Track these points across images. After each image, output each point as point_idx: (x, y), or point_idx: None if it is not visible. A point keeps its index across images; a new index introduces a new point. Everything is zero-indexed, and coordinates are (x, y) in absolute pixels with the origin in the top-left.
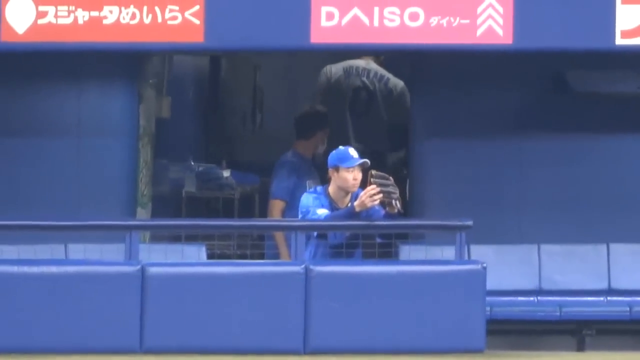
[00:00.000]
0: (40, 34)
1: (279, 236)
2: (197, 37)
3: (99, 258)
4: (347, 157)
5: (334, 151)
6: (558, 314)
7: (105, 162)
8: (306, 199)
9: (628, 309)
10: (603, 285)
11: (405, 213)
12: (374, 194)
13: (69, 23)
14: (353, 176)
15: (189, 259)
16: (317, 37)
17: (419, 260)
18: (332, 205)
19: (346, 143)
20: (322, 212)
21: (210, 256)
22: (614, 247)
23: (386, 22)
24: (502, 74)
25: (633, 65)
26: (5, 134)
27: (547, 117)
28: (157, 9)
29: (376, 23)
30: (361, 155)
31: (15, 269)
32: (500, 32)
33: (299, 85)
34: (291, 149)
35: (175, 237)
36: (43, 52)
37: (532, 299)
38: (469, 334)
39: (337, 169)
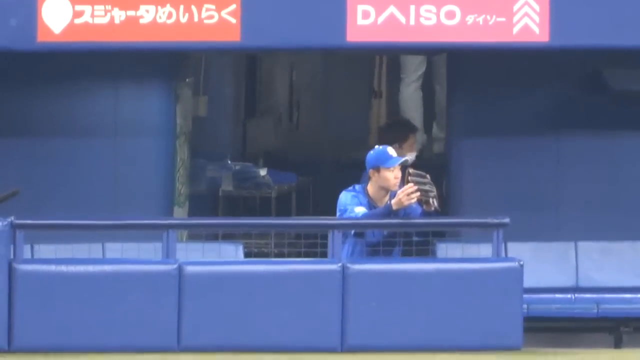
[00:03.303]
0: (76, 33)
1: None
2: (234, 36)
3: (136, 257)
4: (387, 157)
5: (371, 152)
6: (595, 311)
7: (142, 161)
8: (345, 197)
9: None
10: None
11: (442, 211)
12: (411, 193)
13: (105, 23)
14: (394, 175)
15: (226, 258)
16: (353, 36)
17: (456, 258)
18: (370, 204)
19: None
20: (360, 210)
21: (247, 255)
22: None
23: (422, 21)
24: (538, 72)
25: None
26: (42, 134)
27: (584, 115)
28: (193, 8)
29: (412, 21)
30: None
31: (52, 268)
32: (536, 30)
33: (335, 84)
34: None
35: (212, 235)
36: (79, 52)
37: (569, 296)
38: (506, 332)
39: (377, 169)
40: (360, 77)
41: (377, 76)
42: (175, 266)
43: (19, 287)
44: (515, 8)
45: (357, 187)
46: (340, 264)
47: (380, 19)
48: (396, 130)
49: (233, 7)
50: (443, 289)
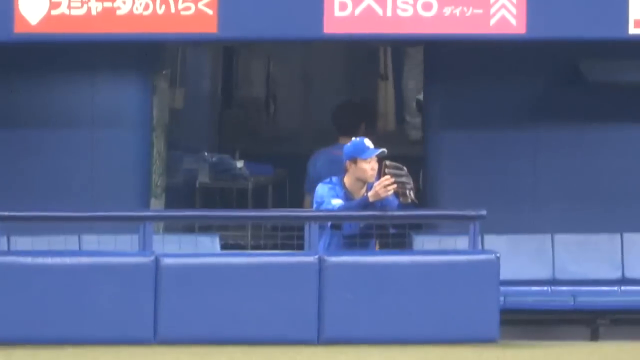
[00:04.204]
0: (53, 25)
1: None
2: (211, 28)
3: (112, 249)
4: (364, 149)
5: (348, 143)
6: (572, 303)
7: (118, 153)
8: (321, 189)
9: None
10: (617, 274)
11: (419, 203)
12: (388, 185)
13: (82, 14)
14: (371, 167)
15: (202, 250)
16: (330, 27)
17: (432, 250)
18: (347, 196)
19: None
20: (337, 202)
21: (224, 247)
22: (627, 236)
23: (399, 12)
24: (515, 64)
25: None
26: (18, 126)
27: (561, 107)
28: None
29: (389, 13)
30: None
31: (29, 260)
32: (513, 21)
33: (312, 76)
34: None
35: (189, 227)
36: (56, 43)
37: (545, 288)
38: (482, 324)
39: (354, 160)
40: (337, 68)
41: (383, 61)
42: (151, 258)
43: None
44: (492, 0)
45: (334, 179)
46: (317, 256)
47: (358, 11)
48: (350, 116)
49: None
50: (419, 281)
